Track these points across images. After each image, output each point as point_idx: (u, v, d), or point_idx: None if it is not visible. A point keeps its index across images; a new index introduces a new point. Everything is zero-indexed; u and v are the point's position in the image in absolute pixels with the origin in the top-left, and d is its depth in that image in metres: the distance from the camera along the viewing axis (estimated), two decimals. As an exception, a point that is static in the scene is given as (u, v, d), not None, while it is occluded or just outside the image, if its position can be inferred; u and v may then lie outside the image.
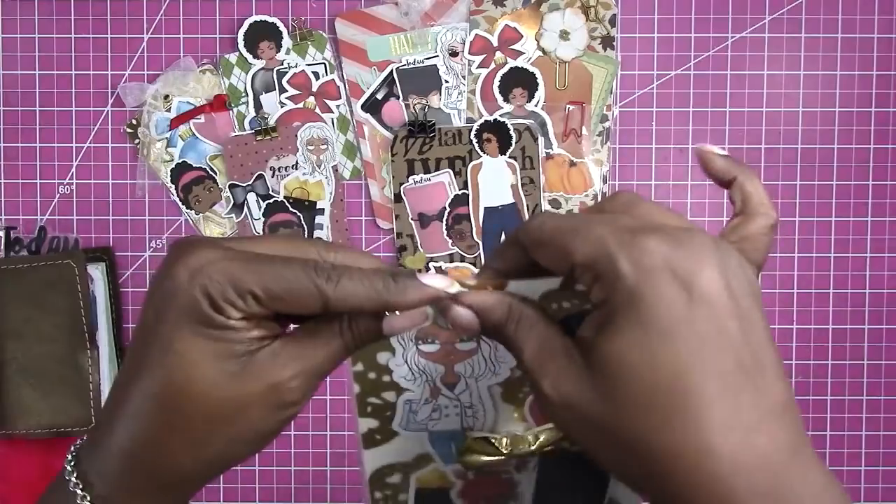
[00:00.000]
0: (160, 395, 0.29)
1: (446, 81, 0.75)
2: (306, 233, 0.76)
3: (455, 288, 0.31)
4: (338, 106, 0.76)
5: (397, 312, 0.31)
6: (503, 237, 0.76)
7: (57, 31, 0.76)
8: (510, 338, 0.30)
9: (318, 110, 0.76)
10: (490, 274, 0.32)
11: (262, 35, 0.75)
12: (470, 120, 0.75)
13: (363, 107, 0.76)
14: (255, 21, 0.75)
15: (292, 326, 0.32)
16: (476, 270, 0.75)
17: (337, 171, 0.76)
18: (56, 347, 0.73)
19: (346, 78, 0.76)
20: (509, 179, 0.75)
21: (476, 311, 0.31)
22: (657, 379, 0.26)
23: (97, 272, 0.75)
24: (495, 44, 0.75)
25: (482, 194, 0.76)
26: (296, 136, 0.75)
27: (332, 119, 0.76)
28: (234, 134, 0.76)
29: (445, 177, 0.76)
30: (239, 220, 0.76)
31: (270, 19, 0.75)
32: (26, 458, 0.74)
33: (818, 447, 0.76)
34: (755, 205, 0.34)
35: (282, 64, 0.75)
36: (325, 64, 0.76)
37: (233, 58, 0.75)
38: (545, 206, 0.76)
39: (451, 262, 0.76)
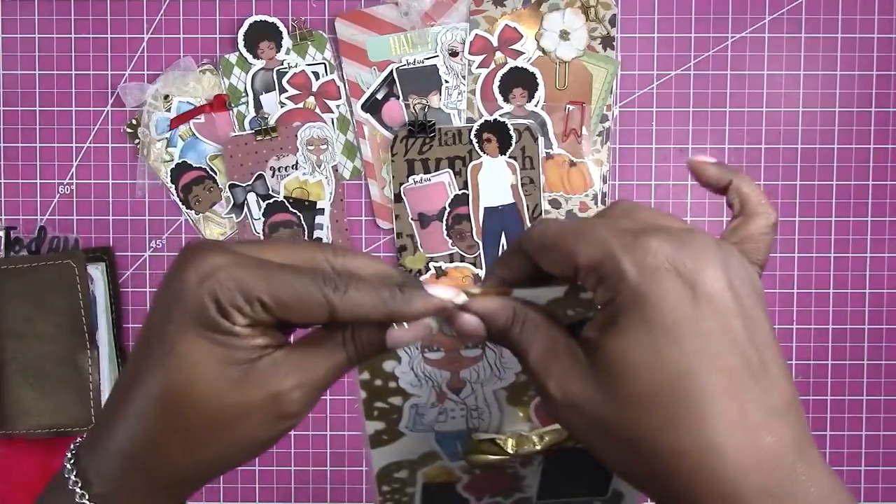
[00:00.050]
0: (161, 396, 0.29)
1: (446, 81, 0.75)
2: (306, 233, 0.76)
3: (461, 298, 0.31)
4: (338, 106, 0.76)
5: (405, 325, 0.31)
6: (503, 238, 0.76)
7: (57, 31, 0.76)
8: (515, 340, 0.30)
9: (318, 110, 0.76)
10: (494, 282, 0.32)
11: (262, 35, 0.75)
12: (470, 120, 0.75)
13: (363, 107, 0.76)
14: (255, 21, 0.75)
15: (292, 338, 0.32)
16: (476, 270, 0.75)
17: (337, 171, 0.76)
18: (56, 347, 0.73)
19: (346, 78, 0.76)
20: (509, 179, 0.75)
21: (481, 317, 0.31)
22: (662, 378, 0.26)
23: (97, 272, 0.75)
24: (495, 44, 0.75)
25: (482, 194, 0.76)
26: (296, 136, 0.75)
27: (332, 119, 0.76)
28: (234, 134, 0.76)
29: (445, 177, 0.76)
30: (239, 220, 0.76)
31: (270, 19, 0.75)
32: (26, 458, 0.74)
33: (818, 447, 0.76)
34: (754, 205, 0.34)
35: (282, 64, 0.75)
36: (325, 64, 0.75)
37: (233, 58, 0.75)
38: (545, 207, 0.76)
39: (451, 262, 0.76)
